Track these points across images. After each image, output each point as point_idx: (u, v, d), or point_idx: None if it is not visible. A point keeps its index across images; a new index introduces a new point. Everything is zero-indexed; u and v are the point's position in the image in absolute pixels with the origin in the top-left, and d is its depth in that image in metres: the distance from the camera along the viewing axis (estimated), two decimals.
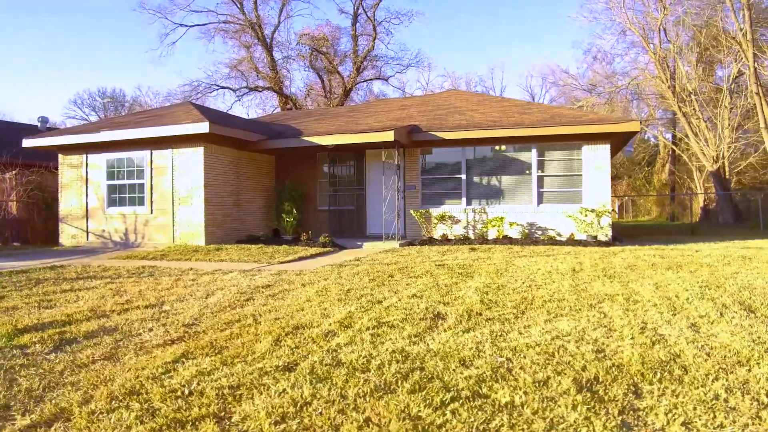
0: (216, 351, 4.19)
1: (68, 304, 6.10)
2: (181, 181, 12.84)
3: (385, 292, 6.57)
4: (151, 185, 13.18)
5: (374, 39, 30.78)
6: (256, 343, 4.39)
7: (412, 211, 14.04)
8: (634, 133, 13.73)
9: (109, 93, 51.16)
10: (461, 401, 3.10)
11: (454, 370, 3.64)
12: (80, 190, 13.99)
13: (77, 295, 6.68)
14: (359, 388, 3.30)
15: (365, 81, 33.42)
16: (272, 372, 3.65)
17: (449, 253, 10.83)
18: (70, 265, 9.85)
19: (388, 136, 12.75)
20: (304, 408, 3.04)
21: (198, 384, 3.43)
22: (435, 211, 14.18)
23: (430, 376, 3.52)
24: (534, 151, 13.81)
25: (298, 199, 14.80)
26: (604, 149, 13.47)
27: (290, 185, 14.90)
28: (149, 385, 3.44)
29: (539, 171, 13.84)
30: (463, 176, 14.21)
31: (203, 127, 12.05)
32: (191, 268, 9.14)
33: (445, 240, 13.53)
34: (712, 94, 24.43)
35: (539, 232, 13.63)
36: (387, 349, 4.13)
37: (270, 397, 3.21)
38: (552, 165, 13.84)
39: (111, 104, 51.15)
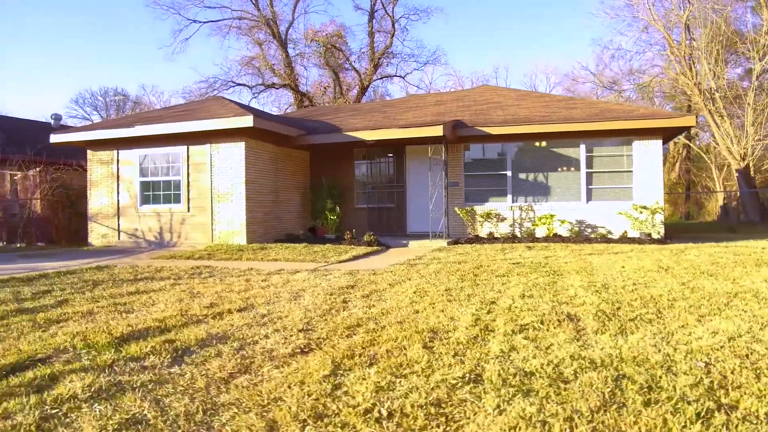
0: (367, 361, 3.66)
1: (148, 308, 5.57)
2: (220, 178, 12.30)
3: (489, 292, 6.06)
4: (188, 182, 12.62)
5: (392, 36, 30.28)
6: (405, 350, 3.87)
7: (456, 209, 13.53)
8: (688, 128, 13.28)
9: (111, 92, 50.51)
10: (713, 414, 2.59)
11: (661, 377, 3.16)
12: (111, 187, 13.42)
13: (150, 298, 6.14)
14: (587, 402, 2.79)
15: (381, 78, 32.92)
16: (460, 385, 3.15)
17: (509, 251, 10.33)
18: (115, 266, 9.32)
19: (437, 130, 12.25)
20: (545, 427, 2.53)
21: (391, 402, 2.91)
22: (479, 209, 13.68)
23: (646, 384, 3.03)
24: (582, 147, 13.34)
25: (336, 196, 14.27)
26: (656, 144, 13.03)
27: (327, 183, 14.37)
28: (331, 404, 2.93)
29: (588, 167, 13.35)
30: (509, 173, 13.72)
31: (247, 121, 11.51)
32: (250, 268, 8.60)
33: (492, 238, 13.03)
34: (738, 91, 24.00)
35: (588, 230, 13.15)
36: (562, 355, 3.63)
37: (490, 416, 2.70)
38: (601, 161, 13.37)
39: (121, 102, 50.48)
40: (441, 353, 3.79)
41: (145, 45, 69.54)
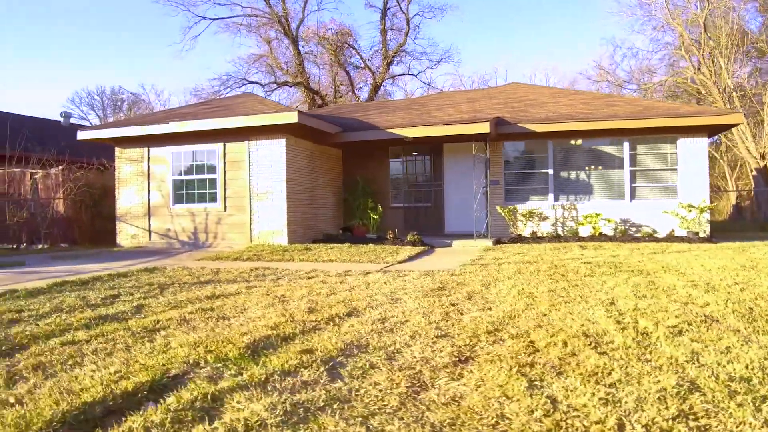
0: (551, 370, 3.30)
1: (244, 314, 5.18)
2: (259, 176, 11.89)
3: (595, 293, 5.71)
4: (225, 180, 12.20)
5: (407, 34, 29.87)
6: (577, 357, 3.50)
7: (498, 208, 13.20)
8: (734, 125, 13.03)
9: (121, 90, 49.80)
10: None
11: None
12: (141, 185, 12.96)
13: (236, 303, 5.75)
14: None
15: (392, 77, 32.52)
16: (684, 393, 2.80)
17: (566, 251, 10.00)
18: (164, 268, 8.91)
19: (483, 127, 11.93)
20: None
21: (632, 416, 2.54)
22: (521, 208, 13.36)
23: None
24: (626, 145, 13.06)
25: (371, 195, 13.90)
26: (701, 142, 12.78)
27: (363, 181, 13.99)
28: (572, 421, 2.55)
29: (631, 165, 13.07)
30: (550, 171, 13.41)
31: (291, 117, 11.12)
32: (314, 270, 8.22)
33: (536, 238, 12.71)
34: (759, 90, 23.85)
35: (633, 229, 12.87)
36: (753, 358, 3.32)
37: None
38: (644, 159, 13.10)
39: (119, 101, 49.76)
40: (621, 358, 3.45)
41: (142, 44, 68.77)
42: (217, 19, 29.15)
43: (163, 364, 3.59)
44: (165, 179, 12.75)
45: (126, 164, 13.16)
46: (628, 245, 11.11)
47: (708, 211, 12.54)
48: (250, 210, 12.00)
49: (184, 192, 12.63)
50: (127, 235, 13.15)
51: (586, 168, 13.36)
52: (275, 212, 11.78)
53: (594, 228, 12.69)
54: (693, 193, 12.63)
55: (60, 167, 14.40)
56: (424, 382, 3.26)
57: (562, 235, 13.02)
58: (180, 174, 12.65)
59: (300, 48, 29.71)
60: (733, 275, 6.87)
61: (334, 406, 2.90)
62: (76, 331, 4.48)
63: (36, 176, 14.75)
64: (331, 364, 3.59)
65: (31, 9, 62.29)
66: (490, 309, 5.20)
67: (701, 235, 12.36)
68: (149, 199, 12.92)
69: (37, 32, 65.13)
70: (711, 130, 13.19)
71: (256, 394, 3.04)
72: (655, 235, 12.49)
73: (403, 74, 32.24)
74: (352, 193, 13.95)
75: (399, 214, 14.18)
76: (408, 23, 29.47)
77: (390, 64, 30.54)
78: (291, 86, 28.77)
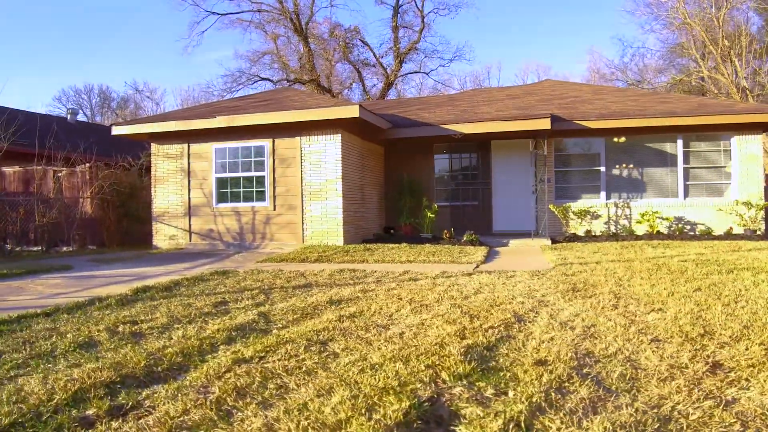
0: None
1: (400, 322, 4.75)
2: (312, 173, 11.37)
3: (745, 292, 5.31)
4: (274, 178, 11.65)
5: (421, 31, 29.42)
6: None
7: (551, 206, 12.83)
8: None
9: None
10: None
11: None
12: (180, 183, 12.35)
13: (372, 308, 5.28)
14: None
15: (404, 75, 32.05)
16: None
17: (638, 250, 9.64)
18: (235, 271, 8.39)
19: (544, 123, 11.59)
20: None
21: None
22: (573, 206, 13.00)
23: None
24: (680, 142, 12.79)
25: (417, 193, 13.44)
26: (756, 139, 12.56)
27: (407, 179, 13.52)
28: None
29: (684, 163, 12.80)
30: (603, 168, 13.08)
31: (351, 111, 10.63)
32: (406, 271, 7.74)
33: (591, 236, 12.38)
34: None
35: (687, 227, 12.60)
36: None
37: None
38: (697, 156, 12.85)
39: (107, 100, 48.59)
40: None
41: (132, 41, 67.40)
42: (226, 14, 28.45)
43: (403, 386, 3.09)
44: (207, 177, 12.15)
45: (163, 161, 12.53)
46: (696, 243, 10.82)
47: (764, 209, 12.30)
48: (302, 209, 11.47)
49: (228, 190, 12.05)
50: (164, 236, 12.52)
51: (639, 165, 13.06)
52: (330, 211, 11.27)
53: (651, 226, 12.40)
54: (747, 190, 12.41)
55: (87, 165, 13.70)
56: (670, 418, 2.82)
57: (618, 233, 12.69)
58: (224, 171, 12.07)
59: (311, 46, 29.10)
60: None
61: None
62: (226, 346, 3.98)
63: (60, 174, 14.03)
64: (587, 374, 3.14)
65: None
66: (663, 311, 4.81)
67: (758, 232, 12.13)
68: (190, 198, 12.31)
69: (20, 28, 63.47)
70: (765, 128, 12.97)
71: (568, 420, 2.57)
72: (713, 233, 12.23)
73: (416, 72, 31.83)
74: (399, 191, 13.47)
75: (445, 212, 13.73)
76: (423, 20, 29.08)
77: (402, 61, 30.10)
78: (303, 84, 28.16)
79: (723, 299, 5.25)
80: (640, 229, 12.64)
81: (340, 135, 11.19)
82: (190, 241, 12.32)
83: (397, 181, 13.72)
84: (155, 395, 3.01)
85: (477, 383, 3.08)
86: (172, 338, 4.20)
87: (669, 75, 29.21)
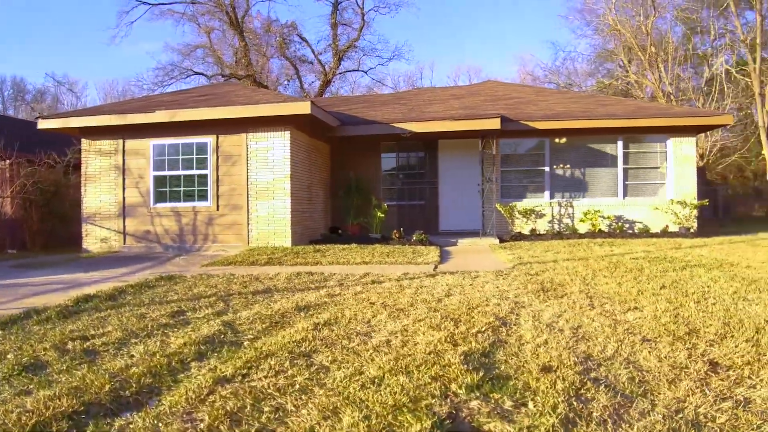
0: None
1: (382, 329, 4.50)
2: (259, 172, 10.90)
3: (728, 291, 5.43)
4: (217, 176, 11.09)
5: (361, 29, 29.06)
6: None
7: (498, 206, 12.92)
8: (723, 125, 13.52)
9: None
10: None
11: None
12: (114, 182, 11.55)
13: (345, 315, 5.01)
14: None
15: (343, 72, 31.63)
16: None
17: (586, 248, 9.81)
18: (182, 276, 7.87)
19: (494, 123, 11.66)
20: None
21: None
22: (519, 206, 13.16)
23: None
24: (620, 143, 13.21)
25: (364, 192, 13.21)
26: (690, 141, 13.16)
27: (354, 178, 13.26)
28: None
29: (624, 163, 13.24)
30: (547, 168, 13.32)
31: (302, 108, 10.25)
32: (367, 273, 7.48)
33: (537, 235, 12.57)
34: (690, 96, 25.27)
35: (626, 226, 13.03)
36: None
37: None
38: (636, 158, 13.33)
39: (20, 93, 45.43)
40: None
41: (51, 29, 63.36)
42: (157, 4, 27.06)
43: (416, 402, 2.85)
44: (144, 175, 11.42)
45: (95, 158, 11.67)
46: (638, 241, 11.18)
47: (696, 208, 12.89)
48: (248, 209, 10.98)
49: (167, 189, 11.37)
50: (95, 238, 11.66)
51: (581, 166, 13.38)
52: (278, 211, 10.84)
53: (593, 225, 12.72)
54: (682, 190, 12.96)
55: (7, 161, 12.59)
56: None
57: (561, 232, 12.94)
58: (163, 169, 11.37)
59: (247, 41, 28.19)
60: None
61: None
62: (198, 362, 3.61)
63: None
64: (597, 380, 3.00)
65: None
66: (639, 310, 4.83)
67: (692, 230, 12.69)
68: (124, 198, 11.53)
69: None
70: (698, 130, 13.61)
71: None
72: (651, 231, 12.69)
73: (355, 70, 31.51)
74: (346, 190, 13.18)
75: (392, 212, 13.55)
76: (363, 18, 28.78)
77: (341, 59, 29.70)
78: (239, 79, 27.21)
79: (692, 297, 5.33)
80: (583, 228, 12.94)
81: (289, 132, 10.78)
82: (125, 243, 11.54)
83: (344, 180, 13.42)
84: (131, 426, 2.62)
85: (491, 395, 2.88)
86: (133, 355, 3.75)
87: (597, 79, 30.39)
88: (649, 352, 3.65)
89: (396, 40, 60.26)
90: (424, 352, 3.64)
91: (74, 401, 2.89)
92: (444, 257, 9.51)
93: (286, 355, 3.67)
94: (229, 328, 4.53)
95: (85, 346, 4.06)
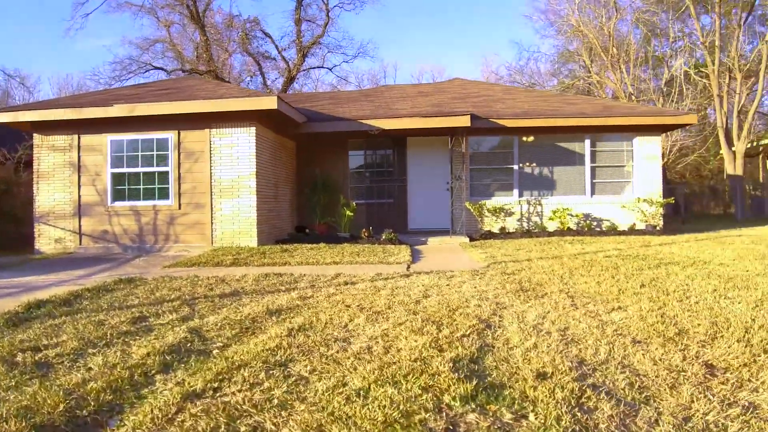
0: None
1: (361, 333, 4.27)
2: (223, 169, 10.50)
3: (722, 289, 5.38)
4: (179, 173, 10.64)
5: (326, 25, 28.60)
6: None
7: (467, 204, 12.80)
8: (688, 125, 13.72)
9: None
10: None
11: None
12: (69, 180, 10.97)
13: (321, 320, 4.76)
14: None
15: (308, 69, 31.11)
16: None
17: (556, 246, 9.75)
18: (143, 279, 7.46)
19: (464, 120, 11.53)
20: None
21: None
22: (488, 204, 13.07)
23: None
24: (587, 142, 13.26)
25: (331, 191, 12.93)
26: (656, 140, 13.31)
27: (321, 176, 12.96)
28: None
29: (592, 162, 13.30)
30: (516, 166, 13.27)
31: (269, 103, 9.90)
32: (338, 274, 7.20)
33: (506, 233, 12.51)
34: (651, 96, 25.76)
35: (594, 223, 13.09)
36: None
37: None
38: (603, 156, 13.40)
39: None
40: None
41: (2, 24, 60.65)
42: None
43: (408, 417, 2.61)
44: (101, 172, 10.87)
45: (49, 154, 11.05)
46: (608, 238, 11.21)
47: (662, 206, 13.03)
48: (212, 208, 10.56)
49: (126, 187, 10.86)
50: (49, 239, 11.05)
51: (550, 164, 13.38)
52: (243, 210, 10.46)
53: (562, 223, 12.73)
54: (648, 188, 13.09)
55: None
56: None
57: (530, 230, 12.91)
58: (121, 166, 10.85)
59: (207, 34, 27.44)
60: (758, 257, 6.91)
61: None
62: (164, 375, 3.31)
63: None
64: (596, 387, 2.82)
65: None
66: (623, 309, 4.72)
67: (658, 228, 12.83)
68: (80, 196, 10.96)
69: None
70: (663, 129, 13.78)
71: None
72: (618, 229, 12.78)
73: (320, 67, 31.03)
74: (312, 188, 12.86)
75: (360, 210, 13.28)
76: (327, 14, 28.36)
77: (305, 56, 29.21)
78: (200, 75, 26.46)
79: (673, 295, 5.24)
80: (552, 226, 12.95)
81: (254, 128, 10.41)
82: (81, 244, 10.97)
83: (311, 177, 13.10)
84: None
85: (488, 406, 2.66)
86: (91, 368, 3.41)
87: (564, 78, 30.74)
88: (642, 354, 3.51)
89: (361, 38, 59.70)
90: (409, 359, 3.41)
91: (23, 424, 2.56)
92: (415, 256, 9.31)
93: (261, 365, 3.39)
94: (196, 335, 4.22)
95: (36, 358, 3.69)
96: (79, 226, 10.95)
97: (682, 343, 3.72)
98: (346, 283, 6.44)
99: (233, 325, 4.48)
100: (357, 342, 3.89)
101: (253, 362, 3.43)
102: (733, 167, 20.69)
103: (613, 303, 5.02)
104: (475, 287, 6.00)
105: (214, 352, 3.76)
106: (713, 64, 20.60)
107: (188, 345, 3.93)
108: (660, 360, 3.40)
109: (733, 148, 20.87)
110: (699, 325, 4.14)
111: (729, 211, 23.92)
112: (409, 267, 7.91)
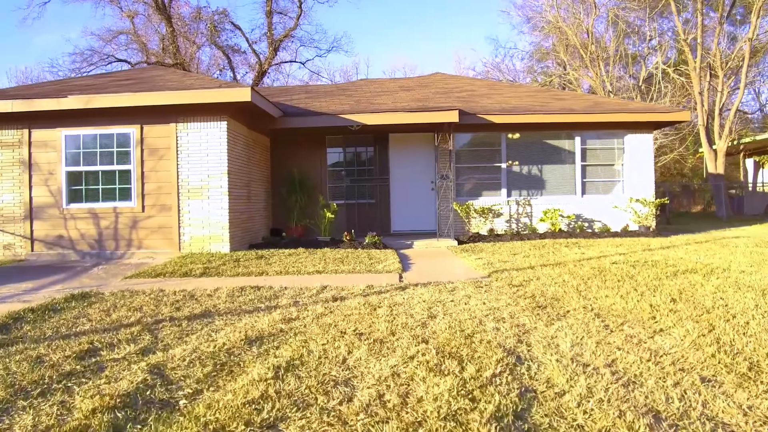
0: None
1: (366, 374, 3.45)
2: (191, 167, 9.58)
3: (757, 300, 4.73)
4: (142, 172, 9.67)
5: (298, 17, 27.51)
6: None
7: (455, 205, 12.08)
8: (681, 122, 13.25)
9: None
10: None
11: None
12: (19, 179, 9.90)
13: (312, 350, 3.96)
14: None
15: (280, 63, 29.98)
16: None
17: (553, 250, 9.11)
18: (100, 294, 6.54)
19: (452, 115, 10.82)
20: None
21: None
22: (475, 204, 12.39)
23: None
24: (578, 139, 12.68)
25: (309, 191, 12.09)
26: (648, 138, 12.81)
27: (298, 175, 12.10)
28: None
29: (582, 160, 12.73)
30: (504, 165, 12.60)
31: (241, 95, 9.01)
32: (324, 287, 6.38)
33: (495, 236, 11.83)
34: (631, 94, 25.51)
35: (585, 225, 12.52)
36: None
37: None
38: (594, 154, 12.84)
39: None
40: None
41: None
42: None
43: None
44: (55, 171, 9.83)
45: None
46: (604, 241, 10.61)
47: (655, 206, 12.53)
48: (179, 210, 9.62)
49: (83, 187, 9.83)
50: None
51: (539, 162, 12.76)
52: (214, 212, 9.55)
53: (553, 224, 12.12)
54: (640, 187, 12.59)
55: None
56: None
57: (520, 232, 12.27)
58: (78, 164, 9.82)
59: (174, 26, 26.15)
60: None
61: None
62: None
63: None
64: None
65: None
66: (666, 333, 4.02)
67: (651, 229, 12.34)
68: (31, 197, 9.89)
69: None
70: (655, 126, 13.29)
71: None
72: (611, 230, 12.23)
73: (292, 61, 29.96)
74: (289, 188, 11.99)
75: (340, 212, 12.43)
76: (300, 6, 27.30)
77: (277, 49, 28.12)
78: (169, 67, 25.13)
79: (714, 313, 4.59)
80: (542, 227, 12.33)
81: (225, 122, 9.50)
82: (33, 250, 9.90)
83: (287, 177, 12.23)
84: None
85: None
86: None
87: (538, 75, 30.33)
88: (723, 400, 2.79)
89: (335, 32, 58.42)
90: (437, 417, 2.63)
91: None
92: (404, 263, 8.53)
93: (243, 428, 2.56)
94: (158, 376, 3.37)
95: None
96: (31, 230, 9.89)
97: (761, 382, 3.03)
98: (334, 299, 5.63)
99: (205, 361, 3.64)
100: (363, 387, 3.10)
101: (233, 424, 2.61)
102: (714, 166, 20.45)
103: (651, 324, 4.33)
104: (484, 303, 5.25)
105: (181, 403, 2.93)
106: (695, 61, 20.31)
107: (148, 393, 3.09)
108: (746, 408, 2.70)
109: (714, 147, 20.63)
110: None
111: (709, 210, 23.79)
112: (401, 277, 7.13)
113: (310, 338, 4.12)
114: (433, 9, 65.21)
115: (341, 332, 4.27)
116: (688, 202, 27.03)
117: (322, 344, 3.94)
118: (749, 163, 23.84)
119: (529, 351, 3.73)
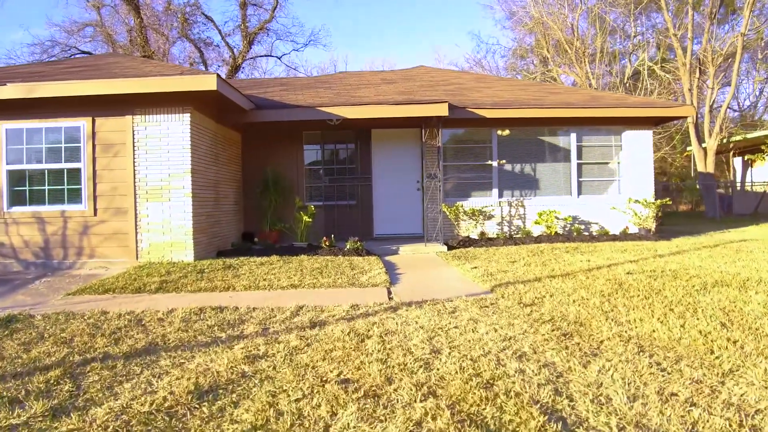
0: None
1: None
2: (150, 165, 8.48)
3: None
4: (94, 171, 8.54)
5: (274, 9, 26.24)
6: None
7: (444, 207, 11.12)
8: (684, 117, 12.49)
9: None
10: None
11: None
12: None
13: (281, 407, 2.94)
14: None
15: (254, 57, 28.73)
16: None
17: (553, 257, 8.23)
18: (29, 318, 5.48)
19: (441, 109, 9.89)
20: None
21: None
22: (465, 206, 11.47)
23: None
24: (573, 136, 11.86)
25: (284, 191, 11.07)
26: (647, 135, 12.04)
27: (272, 174, 11.05)
28: None
29: (578, 158, 11.90)
30: (495, 163, 11.71)
31: (206, 83, 7.95)
32: (300, 307, 5.38)
33: (487, 239, 10.92)
34: (619, 91, 24.91)
35: (582, 227, 11.69)
36: None
37: None
38: (591, 152, 12.03)
39: None
40: None
41: None
42: None
43: None
44: None
45: None
46: (605, 245, 9.77)
47: (657, 207, 11.75)
48: (136, 214, 8.51)
49: (26, 188, 8.67)
50: None
51: (531, 161, 11.90)
52: (175, 216, 8.47)
53: (549, 227, 11.27)
54: (639, 187, 11.81)
55: None
56: None
57: (513, 235, 11.38)
58: (20, 162, 8.66)
59: (143, 17, 24.75)
60: None
61: None
62: None
63: None
64: None
65: None
66: (739, 375, 3.08)
67: (651, 232, 11.57)
68: None
69: None
70: (655, 122, 12.52)
71: None
72: (610, 233, 11.42)
73: (268, 55, 28.68)
74: (262, 188, 10.94)
75: (318, 214, 11.39)
76: None
77: (252, 42, 26.88)
78: (128, 55, 23.73)
79: None
80: (537, 230, 11.47)
81: (189, 114, 8.42)
82: None
83: (260, 176, 11.17)
84: None
85: None
86: None
87: (519, 73, 29.57)
88: None
89: (312, 25, 56.94)
90: None
91: None
92: (392, 274, 7.56)
93: None
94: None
95: None
96: None
97: None
98: (312, 325, 4.64)
99: (137, 429, 2.62)
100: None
101: None
102: (704, 165, 19.85)
103: (712, 361, 3.42)
104: (495, 330, 4.30)
105: None
106: (684, 57, 19.68)
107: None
108: None
109: (704, 145, 20.04)
110: None
111: (697, 209, 23.27)
112: (390, 293, 6.16)
113: (281, 389, 3.13)
114: (413, 5, 64.34)
115: (321, 380, 3.27)
116: (675, 201, 26.54)
117: (296, 400, 2.95)
118: (737, 161, 23.37)
119: (573, 409, 2.78)
